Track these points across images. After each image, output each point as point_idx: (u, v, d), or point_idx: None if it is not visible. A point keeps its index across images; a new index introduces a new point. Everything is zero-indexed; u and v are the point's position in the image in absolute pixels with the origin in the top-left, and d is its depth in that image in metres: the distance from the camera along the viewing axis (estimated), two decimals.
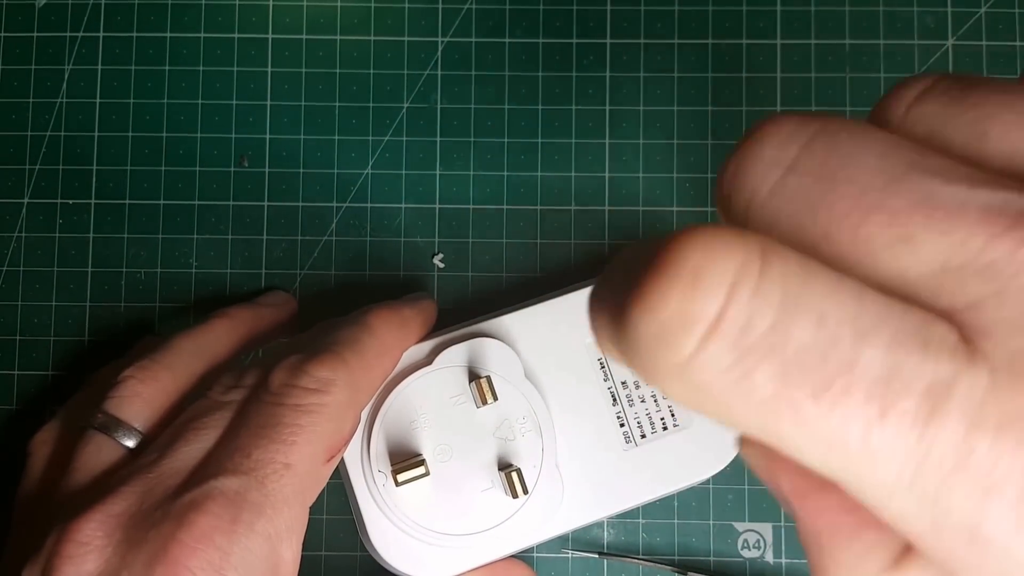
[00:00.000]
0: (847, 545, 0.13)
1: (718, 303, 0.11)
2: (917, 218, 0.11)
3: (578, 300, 0.29)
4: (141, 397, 0.27)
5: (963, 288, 0.11)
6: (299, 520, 0.24)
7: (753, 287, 0.11)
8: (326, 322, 0.29)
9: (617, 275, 0.13)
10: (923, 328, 0.11)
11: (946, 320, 0.11)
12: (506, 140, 0.33)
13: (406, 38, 0.33)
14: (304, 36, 0.33)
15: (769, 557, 0.32)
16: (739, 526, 0.32)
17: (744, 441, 0.14)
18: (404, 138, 0.33)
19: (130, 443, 0.27)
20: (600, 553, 0.31)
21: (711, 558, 0.32)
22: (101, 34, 0.33)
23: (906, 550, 0.12)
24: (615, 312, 0.12)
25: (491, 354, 0.28)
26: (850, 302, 0.11)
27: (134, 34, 0.33)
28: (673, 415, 0.29)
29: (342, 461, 0.28)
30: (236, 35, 0.33)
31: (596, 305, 0.13)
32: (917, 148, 0.12)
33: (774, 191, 0.12)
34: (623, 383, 0.29)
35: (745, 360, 0.11)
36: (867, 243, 0.11)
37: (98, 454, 0.26)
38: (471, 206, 0.33)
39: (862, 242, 0.11)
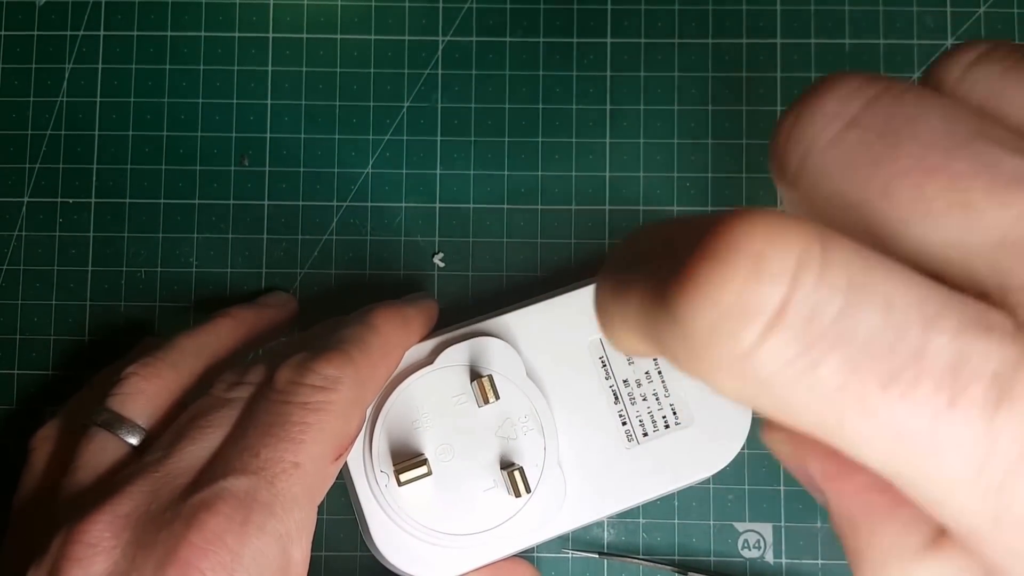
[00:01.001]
0: (884, 524, 0.12)
1: (782, 291, 0.10)
2: (979, 184, 0.11)
3: (579, 299, 0.29)
4: (145, 394, 0.27)
5: (1021, 266, 0.10)
6: (308, 520, 0.24)
7: (817, 273, 0.10)
8: (330, 320, 0.29)
9: (638, 259, 0.12)
10: (985, 314, 0.10)
11: (997, 305, 0.10)
12: (506, 139, 0.32)
13: (406, 37, 0.33)
14: (305, 35, 0.33)
15: (769, 557, 0.31)
16: (739, 526, 0.31)
17: (770, 428, 0.13)
18: (404, 137, 0.33)
19: (133, 440, 0.26)
20: (600, 553, 0.31)
21: (711, 558, 0.31)
22: (101, 33, 0.33)
23: (943, 529, 0.12)
24: (650, 301, 0.11)
25: (492, 353, 0.28)
26: (914, 288, 0.10)
27: (134, 33, 0.33)
28: (675, 413, 0.29)
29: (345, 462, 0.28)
30: (236, 34, 0.33)
31: (613, 293, 0.12)
32: (979, 115, 0.11)
33: (834, 143, 0.12)
34: (624, 381, 0.29)
35: (811, 351, 0.10)
36: (927, 203, 0.11)
37: (102, 452, 0.26)
38: (471, 205, 0.32)
39: (922, 202, 0.11)
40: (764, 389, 0.10)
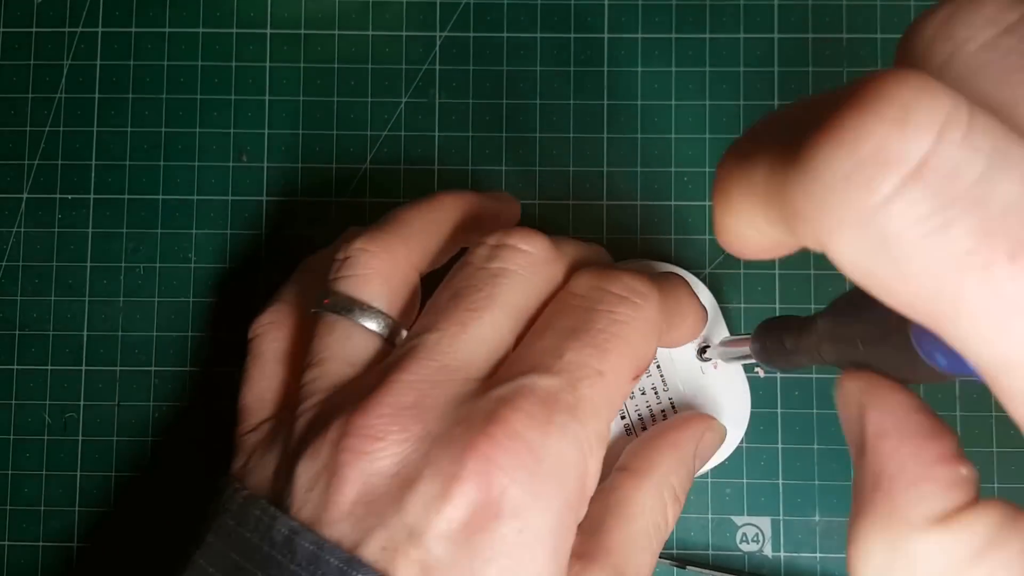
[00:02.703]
0: (908, 489, 0.12)
1: (926, 144, 0.10)
2: None
3: None
4: (379, 274, 0.23)
5: None
6: (606, 432, 0.21)
7: (964, 132, 0.10)
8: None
9: (777, 126, 0.11)
10: None
11: None
12: (504, 135, 0.32)
13: (404, 33, 0.32)
14: (302, 31, 0.32)
15: (768, 551, 0.30)
16: (738, 520, 0.31)
17: (848, 374, 0.13)
18: (402, 133, 0.32)
19: (375, 327, 0.23)
20: None
21: (709, 552, 0.30)
22: (100, 29, 0.32)
23: (958, 510, 0.12)
24: (781, 159, 0.11)
25: None
26: None
27: (132, 29, 0.32)
28: (674, 408, 0.28)
29: None
30: (234, 30, 0.32)
31: (739, 160, 0.12)
32: None
33: (986, 46, 0.11)
34: None
35: (946, 210, 0.10)
36: None
37: (347, 340, 0.23)
38: None
39: None
40: (887, 251, 0.10)
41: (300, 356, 0.24)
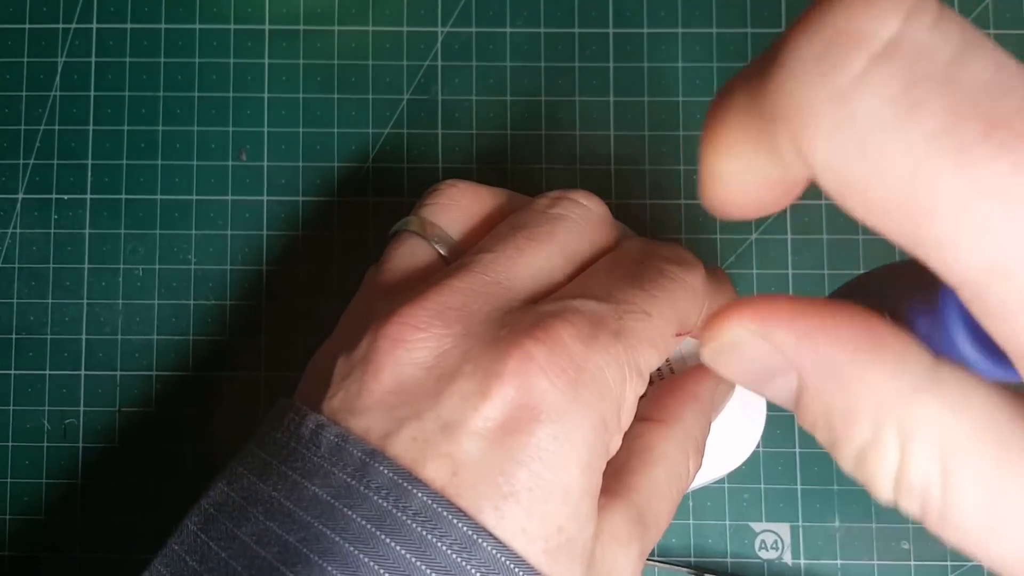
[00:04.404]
0: (876, 363, 0.11)
1: (895, 25, 0.10)
2: None
3: None
4: (459, 207, 0.24)
5: None
6: (646, 370, 0.20)
7: (934, 17, 0.10)
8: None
9: (759, 59, 0.11)
10: None
11: None
12: (508, 132, 0.30)
13: (405, 28, 0.31)
14: (301, 27, 0.31)
15: (788, 558, 0.29)
16: (756, 526, 0.29)
17: (729, 313, 0.12)
18: (405, 130, 0.30)
19: (441, 249, 0.23)
20: None
21: (728, 559, 0.29)
22: (94, 25, 0.31)
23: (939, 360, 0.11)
24: (759, 70, 0.11)
25: None
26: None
27: (128, 25, 0.31)
28: None
29: None
30: (232, 26, 0.31)
31: (719, 98, 0.12)
32: None
33: None
34: None
35: (916, 89, 0.09)
36: None
37: (412, 256, 0.23)
38: None
39: None
40: (859, 143, 0.10)
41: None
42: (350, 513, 0.18)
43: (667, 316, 0.21)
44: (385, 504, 0.18)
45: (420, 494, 0.18)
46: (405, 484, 0.18)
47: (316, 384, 0.21)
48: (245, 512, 0.19)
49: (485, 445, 0.18)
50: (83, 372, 0.30)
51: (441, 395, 0.18)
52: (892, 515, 0.29)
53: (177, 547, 0.20)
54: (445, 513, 0.18)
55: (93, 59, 0.30)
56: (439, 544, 0.17)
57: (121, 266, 0.30)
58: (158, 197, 0.30)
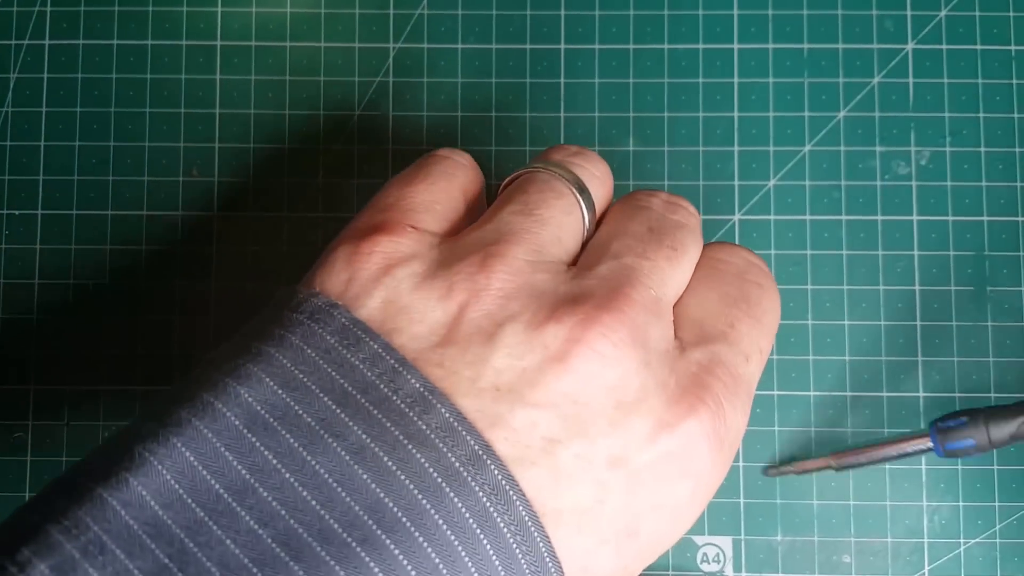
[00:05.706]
0: None
1: None
2: None
3: None
4: (600, 181, 0.22)
5: None
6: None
7: None
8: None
9: None
10: None
11: None
12: (459, 147, 0.30)
13: (357, 45, 0.31)
14: (253, 43, 0.31)
15: (729, 571, 0.28)
16: (698, 539, 0.29)
17: None
18: (355, 147, 0.30)
19: (587, 222, 0.22)
20: None
21: (669, 572, 0.28)
22: (47, 42, 0.30)
23: None
24: None
25: None
26: None
27: (80, 42, 0.30)
28: None
29: None
30: (184, 42, 0.30)
31: None
32: None
33: None
34: None
35: None
36: None
37: (567, 216, 0.21)
38: None
39: None
40: None
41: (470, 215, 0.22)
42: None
43: (769, 345, 0.21)
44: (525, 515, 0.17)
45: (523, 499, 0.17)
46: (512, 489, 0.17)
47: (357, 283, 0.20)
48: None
49: (634, 483, 0.18)
50: (32, 387, 0.29)
51: (616, 425, 0.18)
52: (834, 529, 0.29)
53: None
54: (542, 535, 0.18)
55: (45, 75, 0.30)
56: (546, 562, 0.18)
57: (71, 282, 0.30)
58: (109, 213, 0.30)
